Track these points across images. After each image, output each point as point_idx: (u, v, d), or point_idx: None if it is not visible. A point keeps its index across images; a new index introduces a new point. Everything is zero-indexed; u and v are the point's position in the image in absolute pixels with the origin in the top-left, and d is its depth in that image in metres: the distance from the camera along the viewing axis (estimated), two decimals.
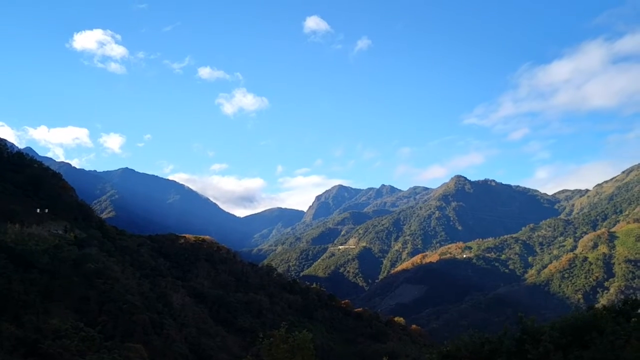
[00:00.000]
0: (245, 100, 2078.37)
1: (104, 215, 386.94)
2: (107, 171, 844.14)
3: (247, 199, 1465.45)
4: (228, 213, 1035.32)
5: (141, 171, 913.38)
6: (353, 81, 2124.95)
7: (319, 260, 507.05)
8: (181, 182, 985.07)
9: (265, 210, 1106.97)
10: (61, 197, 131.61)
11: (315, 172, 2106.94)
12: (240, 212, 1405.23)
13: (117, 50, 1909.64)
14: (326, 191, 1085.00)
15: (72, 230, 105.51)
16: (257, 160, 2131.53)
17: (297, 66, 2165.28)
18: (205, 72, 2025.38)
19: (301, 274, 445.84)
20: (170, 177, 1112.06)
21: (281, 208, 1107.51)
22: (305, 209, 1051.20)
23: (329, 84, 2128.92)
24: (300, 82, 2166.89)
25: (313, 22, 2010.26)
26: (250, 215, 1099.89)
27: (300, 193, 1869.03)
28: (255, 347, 35.15)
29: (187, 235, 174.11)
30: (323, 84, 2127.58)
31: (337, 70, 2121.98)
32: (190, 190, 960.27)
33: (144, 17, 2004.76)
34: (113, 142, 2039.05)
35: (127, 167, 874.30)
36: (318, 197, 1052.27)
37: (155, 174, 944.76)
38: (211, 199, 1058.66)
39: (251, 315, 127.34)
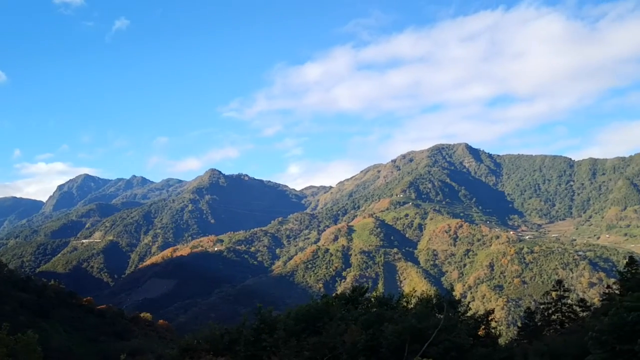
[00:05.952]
0: None
1: None
2: None
3: None
4: None
5: None
6: (108, 62, 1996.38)
7: (58, 255, 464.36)
8: None
9: None
10: None
11: (59, 158, 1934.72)
12: None
13: None
14: (70, 180, 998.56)
15: None
16: None
17: (43, 39, 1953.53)
18: None
19: (37, 270, 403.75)
20: None
21: (16, 197, 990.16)
22: (45, 199, 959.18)
23: (79, 62, 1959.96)
24: (46, 57, 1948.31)
25: None
26: None
27: (40, 181, 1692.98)
28: None
29: None
30: (72, 61, 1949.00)
31: (90, 49, 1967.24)
32: None
33: None
34: None
35: None
36: (60, 187, 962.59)
37: None
38: None
39: None
